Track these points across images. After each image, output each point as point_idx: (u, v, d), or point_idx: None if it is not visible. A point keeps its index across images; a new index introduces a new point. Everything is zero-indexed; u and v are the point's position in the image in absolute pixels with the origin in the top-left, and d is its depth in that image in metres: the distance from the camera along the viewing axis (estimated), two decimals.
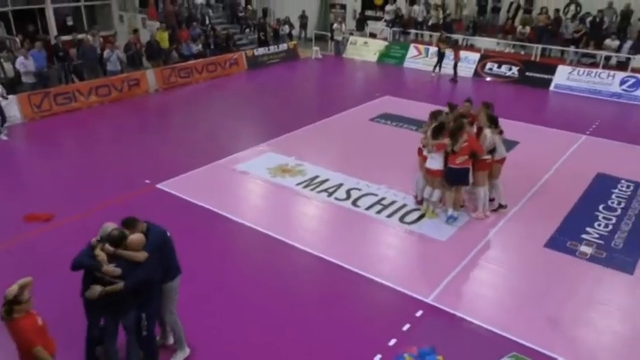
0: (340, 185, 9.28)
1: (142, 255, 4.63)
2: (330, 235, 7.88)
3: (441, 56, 17.80)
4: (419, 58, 19.67)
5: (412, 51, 19.96)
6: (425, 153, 8.10)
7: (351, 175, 9.66)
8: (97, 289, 4.50)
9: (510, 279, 6.86)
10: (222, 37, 19.11)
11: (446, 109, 8.72)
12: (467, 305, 6.26)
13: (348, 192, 9.05)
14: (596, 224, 8.12)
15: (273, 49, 19.95)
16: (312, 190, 9.14)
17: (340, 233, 7.85)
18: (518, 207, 8.61)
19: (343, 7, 24.29)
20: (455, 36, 19.71)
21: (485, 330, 5.84)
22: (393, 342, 5.61)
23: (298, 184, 9.34)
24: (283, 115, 13.51)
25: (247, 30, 21.21)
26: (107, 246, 4.62)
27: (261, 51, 19.49)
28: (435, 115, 8.31)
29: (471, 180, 8.08)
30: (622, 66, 16.54)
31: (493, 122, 7.99)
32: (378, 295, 6.47)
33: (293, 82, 18.01)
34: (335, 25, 21.06)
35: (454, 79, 17.51)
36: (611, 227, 8.03)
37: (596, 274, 6.90)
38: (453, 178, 7.95)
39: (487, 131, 7.94)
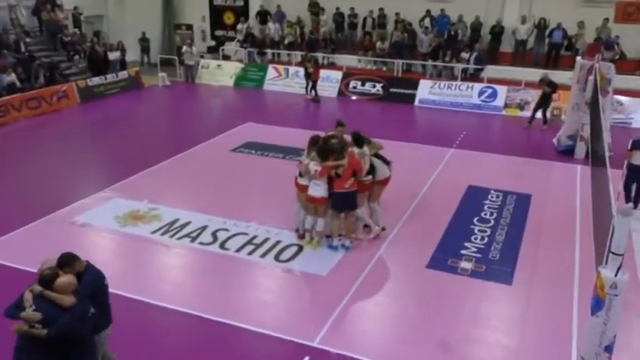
0: (204, 227, 9.09)
1: (68, 300, 4.39)
2: (198, 286, 7.64)
3: (309, 76, 18.52)
4: (279, 80, 20.26)
5: (271, 72, 20.51)
6: (303, 182, 8.28)
7: (216, 214, 9.52)
8: (21, 328, 4.38)
9: (396, 306, 7.21)
10: (45, 67, 17.89)
11: (322, 133, 9.00)
12: (355, 343, 6.42)
13: (214, 234, 8.89)
14: (472, 238, 8.91)
15: (111, 77, 19.16)
16: (171, 236, 8.83)
17: (209, 282, 7.64)
18: (396, 229, 9.14)
19: (190, 27, 24.28)
20: (315, 54, 20.68)
21: None
22: None
23: (154, 231, 8.97)
24: (130, 153, 12.95)
25: (76, 57, 20.13)
26: (36, 286, 4.44)
27: (96, 81, 18.62)
28: (315, 141, 8.47)
29: None
30: (477, 78, 18.61)
31: (357, 142, 8.44)
32: (261, 347, 6.39)
33: (139, 114, 17.42)
34: (184, 49, 20.92)
35: (316, 99, 18.30)
36: (486, 239, 8.87)
37: (479, 289, 7.54)
38: (341, 203, 8.22)
39: (360, 150, 8.37)
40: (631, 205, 8.94)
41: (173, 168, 12.02)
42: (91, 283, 4.74)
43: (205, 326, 6.68)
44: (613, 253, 4.69)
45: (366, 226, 8.92)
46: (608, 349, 4.90)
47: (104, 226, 9.12)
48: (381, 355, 6.22)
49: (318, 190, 8.12)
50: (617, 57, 15.97)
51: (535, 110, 15.57)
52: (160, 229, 9.05)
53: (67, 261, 4.66)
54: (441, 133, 14.95)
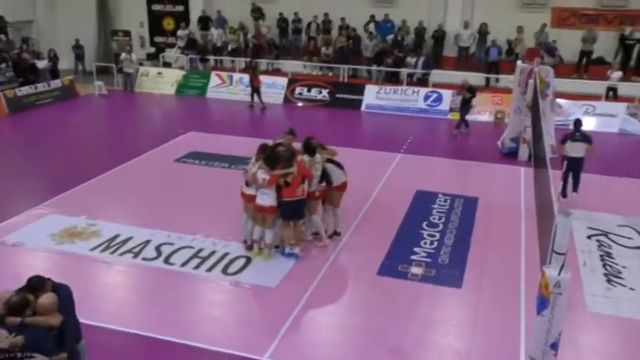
0: (148, 242, 8.91)
1: (55, 320, 4.39)
2: (142, 303, 7.48)
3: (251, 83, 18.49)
4: (222, 87, 20.13)
5: (214, 79, 20.35)
6: (250, 191, 8.23)
7: (160, 228, 9.34)
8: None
9: (348, 315, 7.27)
10: None
11: (270, 141, 8.98)
12: (307, 354, 6.44)
13: (157, 249, 8.72)
14: (422, 243, 9.10)
15: (42, 87, 18.52)
16: (112, 253, 8.60)
17: (154, 299, 7.49)
18: (346, 236, 9.23)
19: (127, 33, 23.79)
20: (260, 60, 20.69)
21: None
22: None
23: (93, 248, 8.71)
24: (66, 166, 12.54)
25: (2, 65, 19.34)
26: (11, 318, 4.30)
27: (25, 90, 17.95)
28: (264, 148, 8.46)
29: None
30: (423, 82, 19.06)
31: (310, 152, 8.51)
32: None
33: (74, 125, 16.89)
34: (123, 56, 20.47)
35: (261, 106, 18.25)
36: (436, 244, 9.08)
37: (430, 294, 7.71)
38: (290, 211, 8.25)
39: (310, 159, 8.43)
40: (565, 199, 10.16)
41: (113, 181, 11.71)
42: (69, 297, 4.86)
43: (151, 345, 6.54)
44: (556, 253, 4.91)
45: (315, 233, 8.98)
46: (554, 346, 5.11)
47: (38, 245, 8.79)
48: None
49: (266, 199, 8.11)
50: (557, 62, 16.79)
51: (462, 115, 15.87)
52: (99, 245, 8.80)
53: (40, 285, 4.69)
54: (389, 138, 15.22)
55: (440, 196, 11.03)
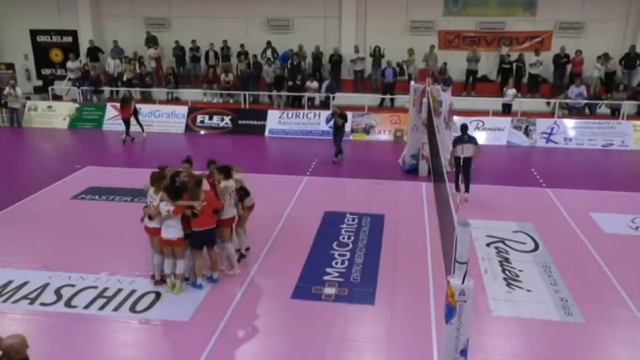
0: (46, 286, 8.37)
1: None
2: (41, 353, 6.95)
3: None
4: (119, 119, 19.41)
5: (110, 111, 19.64)
6: (153, 224, 7.99)
7: (59, 269, 8.82)
8: None
9: (264, 341, 7.20)
10: None
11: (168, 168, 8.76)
12: None
13: (57, 292, 8.21)
14: (333, 263, 9.23)
15: None
16: (4, 301, 7.98)
17: (55, 347, 7.01)
18: (258, 262, 9.17)
19: (10, 66, 22.47)
20: (153, 90, 20.32)
21: None
22: None
23: None
24: None
25: None
26: None
27: None
28: (160, 176, 8.23)
29: None
30: (325, 105, 19.48)
31: (225, 173, 8.51)
32: None
33: None
34: (7, 90, 19.26)
35: (127, 139, 17.45)
36: (347, 263, 9.24)
37: (344, 313, 7.80)
38: (201, 241, 8.15)
39: (226, 183, 8.41)
40: (459, 192, 11.47)
41: (2, 223, 10.90)
42: None
43: None
44: (458, 262, 5.16)
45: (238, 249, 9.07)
46: (464, 352, 5.33)
47: None
48: None
49: (172, 232, 7.91)
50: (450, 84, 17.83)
51: (338, 142, 15.45)
52: None
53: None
54: (294, 162, 15.37)
55: (348, 215, 11.27)
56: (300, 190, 12.92)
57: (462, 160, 11.81)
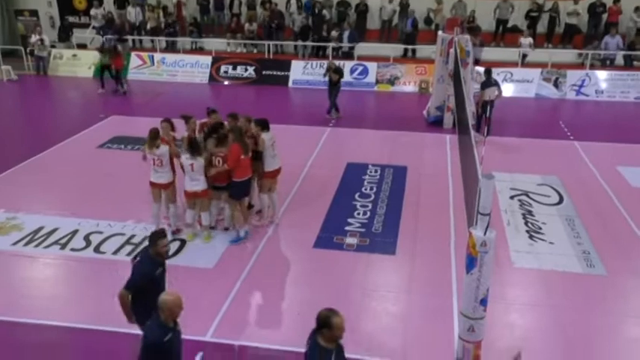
0: (75, 232, 8.62)
1: None
2: (73, 296, 7.25)
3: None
4: (144, 68, 19.50)
5: (135, 60, 19.64)
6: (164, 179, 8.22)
7: (88, 217, 9.05)
8: None
9: (287, 289, 7.36)
10: None
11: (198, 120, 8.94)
12: (250, 331, 6.50)
13: (86, 238, 8.45)
14: (355, 213, 9.29)
15: None
16: (36, 246, 8.26)
17: (88, 290, 7.28)
18: (281, 213, 9.28)
19: (34, 13, 22.43)
20: (180, 39, 20.15)
21: (275, 351, 6.16)
22: None
23: (15, 242, 8.33)
24: None
25: None
26: None
27: None
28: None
29: None
30: (349, 56, 19.17)
31: (263, 125, 8.59)
32: None
33: None
34: (35, 38, 19.31)
35: (120, 90, 17.36)
36: (369, 214, 9.30)
37: (365, 262, 7.91)
38: (241, 191, 8.29)
39: (265, 135, 8.53)
40: (478, 133, 11.38)
41: (32, 171, 11.16)
42: None
43: (85, 338, 6.39)
44: (481, 214, 5.15)
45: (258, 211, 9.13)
46: (483, 302, 5.39)
47: None
48: (277, 339, 6.35)
49: (198, 184, 8.06)
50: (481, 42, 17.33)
51: (333, 98, 14.78)
52: (21, 239, 8.43)
53: None
54: (317, 113, 15.26)
55: (370, 166, 11.25)
56: (323, 141, 12.90)
57: (486, 103, 12.40)
